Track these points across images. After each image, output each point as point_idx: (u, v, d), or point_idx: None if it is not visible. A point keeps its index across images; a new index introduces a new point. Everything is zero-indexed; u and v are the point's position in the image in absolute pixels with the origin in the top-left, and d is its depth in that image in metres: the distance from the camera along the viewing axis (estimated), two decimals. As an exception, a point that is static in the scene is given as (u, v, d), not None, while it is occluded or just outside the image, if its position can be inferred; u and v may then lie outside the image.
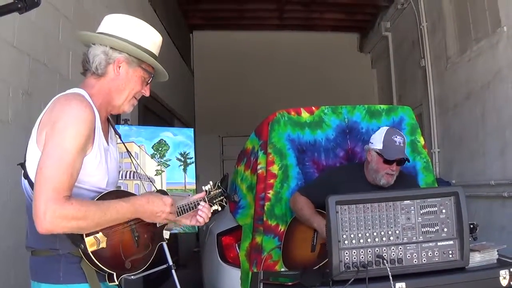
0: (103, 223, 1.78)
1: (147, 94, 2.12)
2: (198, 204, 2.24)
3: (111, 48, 1.96)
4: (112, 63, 1.97)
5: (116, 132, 2.18)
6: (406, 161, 3.25)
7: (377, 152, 3.26)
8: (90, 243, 1.78)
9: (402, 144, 3.23)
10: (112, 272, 1.84)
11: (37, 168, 1.72)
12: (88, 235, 1.77)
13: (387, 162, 3.22)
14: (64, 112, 1.78)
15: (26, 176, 1.84)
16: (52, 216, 1.65)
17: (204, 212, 2.23)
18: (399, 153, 3.20)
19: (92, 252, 1.78)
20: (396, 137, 3.25)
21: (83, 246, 1.76)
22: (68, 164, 1.72)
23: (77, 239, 1.76)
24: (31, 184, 1.76)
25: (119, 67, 1.98)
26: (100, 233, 1.80)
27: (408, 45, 8.29)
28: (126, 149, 2.31)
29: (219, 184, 2.37)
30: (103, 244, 1.81)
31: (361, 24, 10.68)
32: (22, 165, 1.88)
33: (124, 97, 2.03)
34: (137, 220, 1.95)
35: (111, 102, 2.02)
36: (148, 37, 2.06)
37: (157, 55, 2.10)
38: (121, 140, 2.22)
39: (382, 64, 10.18)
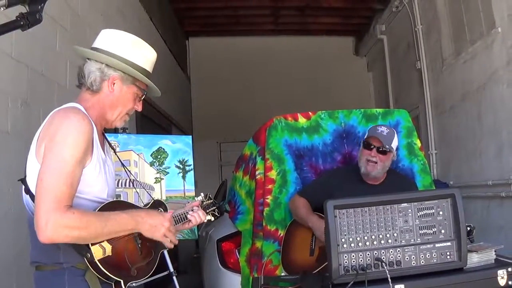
0: (103, 233, 1.80)
1: (140, 109, 2.14)
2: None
3: (106, 65, 1.99)
4: (107, 79, 1.99)
5: (111, 146, 2.21)
6: (390, 152, 3.26)
7: (362, 142, 3.35)
8: (97, 252, 1.80)
9: (385, 133, 3.25)
10: (119, 280, 1.86)
11: (37, 179, 1.74)
12: (93, 244, 1.79)
13: (366, 147, 3.28)
14: (62, 124, 1.80)
15: (28, 191, 1.86)
16: (54, 226, 1.67)
17: (196, 212, 2.27)
18: (379, 137, 3.23)
19: (99, 260, 1.80)
20: (380, 127, 3.33)
21: (89, 255, 1.78)
22: (68, 175, 1.74)
23: (83, 248, 1.78)
24: (33, 198, 1.77)
25: (114, 84, 2.00)
26: (105, 241, 1.83)
27: (404, 47, 8.32)
28: (119, 159, 2.34)
29: (210, 196, 2.46)
30: (108, 252, 1.83)
31: (356, 28, 10.70)
32: (23, 181, 1.89)
33: (117, 113, 2.06)
34: None
35: (104, 117, 2.04)
36: (143, 54, 2.08)
37: (151, 71, 2.13)
38: (115, 153, 2.25)
39: (378, 67, 10.21)
